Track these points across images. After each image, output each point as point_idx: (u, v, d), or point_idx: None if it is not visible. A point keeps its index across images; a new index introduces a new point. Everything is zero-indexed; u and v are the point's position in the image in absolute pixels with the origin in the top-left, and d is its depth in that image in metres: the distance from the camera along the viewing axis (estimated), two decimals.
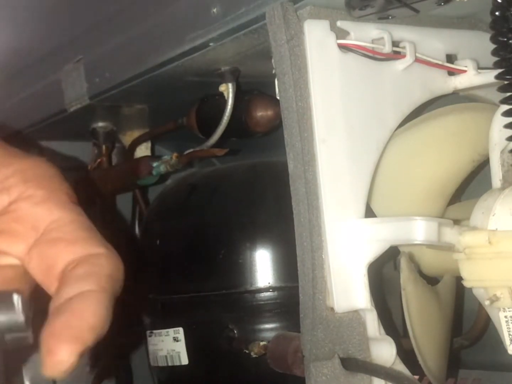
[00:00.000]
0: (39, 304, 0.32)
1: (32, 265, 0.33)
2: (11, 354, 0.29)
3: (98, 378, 0.76)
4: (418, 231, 0.45)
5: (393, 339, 0.47)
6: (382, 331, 0.47)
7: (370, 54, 0.48)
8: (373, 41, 0.49)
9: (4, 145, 0.35)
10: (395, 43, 0.49)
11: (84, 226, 0.34)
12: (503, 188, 0.48)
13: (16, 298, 0.28)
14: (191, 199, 0.65)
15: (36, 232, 0.33)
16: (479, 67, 0.51)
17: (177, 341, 0.62)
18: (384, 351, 0.46)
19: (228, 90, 0.59)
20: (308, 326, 0.45)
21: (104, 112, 0.72)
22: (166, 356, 0.63)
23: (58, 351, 0.28)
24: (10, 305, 0.28)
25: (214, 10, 0.50)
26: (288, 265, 0.58)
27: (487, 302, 0.45)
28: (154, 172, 0.70)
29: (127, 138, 0.79)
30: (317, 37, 0.46)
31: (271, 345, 0.51)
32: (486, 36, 0.46)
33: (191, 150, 0.67)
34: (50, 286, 0.32)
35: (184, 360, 0.62)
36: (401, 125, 0.51)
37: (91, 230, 0.34)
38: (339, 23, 0.47)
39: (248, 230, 0.61)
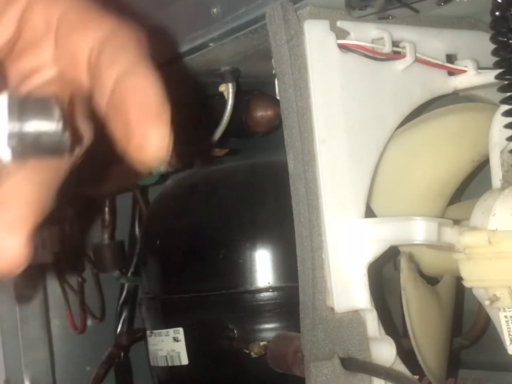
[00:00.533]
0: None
1: (60, 65, 0.31)
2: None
3: None
4: (418, 231, 0.45)
5: (393, 339, 0.47)
6: (382, 331, 0.47)
7: (370, 54, 0.48)
8: (373, 41, 0.49)
9: None
10: (395, 43, 0.49)
11: (92, 7, 0.33)
12: (503, 188, 0.48)
13: (53, 104, 0.27)
14: (191, 199, 0.65)
15: (50, 29, 0.32)
16: (479, 67, 0.51)
17: (177, 341, 0.62)
18: (384, 351, 0.46)
19: (228, 90, 0.59)
20: (308, 326, 0.45)
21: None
22: (166, 356, 0.63)
23: (150, 138, 0.27)
24: (47, 110, 0.27)
25: (214, 10, 0.50)
26: (288, 265, 0.58)
27: (487, 302, 0.45)
28: (154, 172, 0.70)
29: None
30: (317, 37, 0.46)
31: (271, 345, 0.51)
32: (486, 36, 0.46)
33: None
34: (82, 80, 0.31)
35: (184, 360, 0.62)
36: (401, 125, 0.51)
37: (101, 10, 0.33)
38: (339, 23, 0.47)
39: (248, 230, 0.61)
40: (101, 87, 0.30)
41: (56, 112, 0.27)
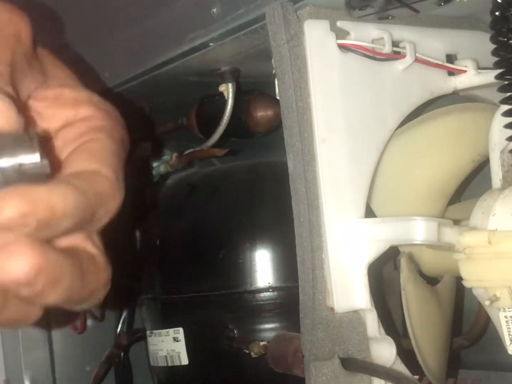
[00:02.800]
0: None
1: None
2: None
3: None
4: (418, 231, 0.45)
5: (393, 339, 0.47)
6: (382, 331, 0.47)
7: (370, 54, 0.48)
8: (373, 41, 0.49)
9: (74, 75, 0.38)
10: (395, 43, 0.49)
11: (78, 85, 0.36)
12: (503, 188, 0.48)
13: (28, 137, 0.29)
14: (191, 199, 0.65)
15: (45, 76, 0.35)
16: (479, 67, 0.51)
17: (177, 341, 0.62)
18: (384, 351, 0.46)
19: (228, 90, 0.59)
20: (308, 326, 0.45)
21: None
22: (166, 356, 0.63)
23: None
24: (23, 144, 0.29)
25: (214, 10, 0.50)
26: (288, 265, 0.58)
27: (487, 302, 0.45)
28: (154, 172, 0.70)
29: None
30: (317, 37, 0.46)
31: (271, 345, 0.51)
32: (486, 36, 0.46)
33: (191, 150, 0.67)
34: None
35: (184, 360, 0.62)
36: (401, 125, 0.51)
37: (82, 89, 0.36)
38: (339, 23, 0.47)
39: (248, 230, 0.61)
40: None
41: (32, 144, 0.29)
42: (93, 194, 0.31)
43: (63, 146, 0.35)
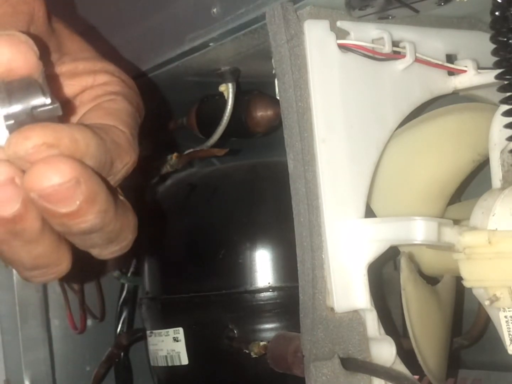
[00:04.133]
0: None
1: None
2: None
3: None
4: (418, 231, 0.45)
5: (393, 339, 0.47)
6: (382, 331, 0.47)
7: (370, 54, 0.48)
8: (373, 41, 0.49)
9: (90, 47, 0.38)
10: (395, 43, 0.49)
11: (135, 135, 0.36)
12: (503, 188, 0.48)
13: (37, 81, 0.29)
14: (191, 199, 0.65)
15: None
16: (479, 67, 0.51)
17: (177, 341, 0.62)
18: (384, 351, 0.46)
19: (228, 90, 0.59)
20: (308, 326, 0.45)
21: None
22: (166, 356, 0.63)
23: None
24: (32, 88, 0.29)
25: (214, 10, 0.50)
26: (288, 265, 0.58)
27: (487, 302, 0.45)
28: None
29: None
30: (317, 37, 0.46)
31: (271, 345, 0.51)
32: (486, 36, 0.46)
33: (191, 150, 0.67)
34: None
35: (184, 360, 0.62)
36: (401, 125, 0.51)
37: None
38: (339, 23, 0.47)
39: (248, 230, 0.61)
40: None
41: (43, 87, 0.29)
42: (111, 142, 0.32)
43: (80, 106, 0.35)
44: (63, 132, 0.28)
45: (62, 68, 0.36)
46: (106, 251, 0.34)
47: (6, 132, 0.28)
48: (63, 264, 0.32)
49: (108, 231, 0.32)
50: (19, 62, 0.29)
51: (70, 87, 0.35)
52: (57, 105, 0.29)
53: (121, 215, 0.33)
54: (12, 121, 0.28)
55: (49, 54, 0.36)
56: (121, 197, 0.34)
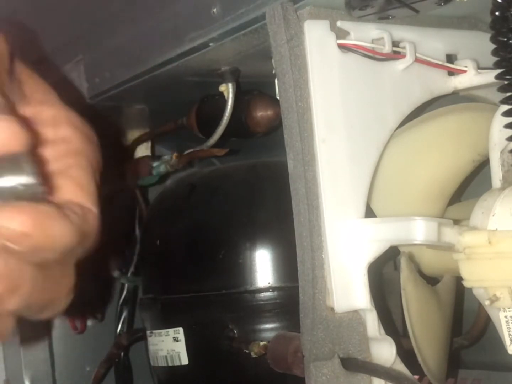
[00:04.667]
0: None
1: None
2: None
3: None
4: (418, 231, 0.45)
5: (393, 339, 0.47)
6: (382, 331, 0.47)
7: (370, 54, 0.48)
8: (373, 41, 0.49)
9: (52, 92, 0.37)
10: (395, 43, 0.49)
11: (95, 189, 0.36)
12: (503, 188, 0.48)
13: (24, 159, 0.29)
14: (191, 199, 0.65)
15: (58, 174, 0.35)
16: (479, 67, 0.51)
17: (177, 341, 0.62)
18: (384, 351, 0.46)
19: (228, 90, 0.59)
20: (308, 326, 0.45)
21: (104, 112, 0.72)
22: (166, 356, 0.63)
23: None
24: (19, 166, 0.29)
25: (214, 10, 0.50)
26: (288, 265, 0.58)
27: (487, 302, 0.45)
28: (154, 172, 0.70)
29: (127, 138, 0.79)
30: (317, 37, 0.46)
31: (271, 345, 0.51)
32: (486, 36, 0.46)
33: (191, 150, 0.67)
34: None
35: (184, 360, 0.62)
36: (401, 125, 0.51)
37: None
38: (339, 23, 0.47)
39: (248, 230, 0.61)
40: None
41: (28, 167, 0.29)
42: (83, 232, 0.32)
43: (44, 160, 0.34)
44: (45, 226, 0.29)
45: (26, 110, 0.35)
46: (38, 317, 0.34)
47: None
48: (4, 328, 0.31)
49: (34, 307, 0.32)
50: (8, 141, 0.29)
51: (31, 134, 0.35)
52: (42, 186, 0.29)
53: (49, 289, 0.32)
54: None
55: (14, 95, 0.35)
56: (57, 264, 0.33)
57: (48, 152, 0.34)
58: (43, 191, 0.30)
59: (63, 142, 0.35)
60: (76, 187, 0.34)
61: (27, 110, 0.35)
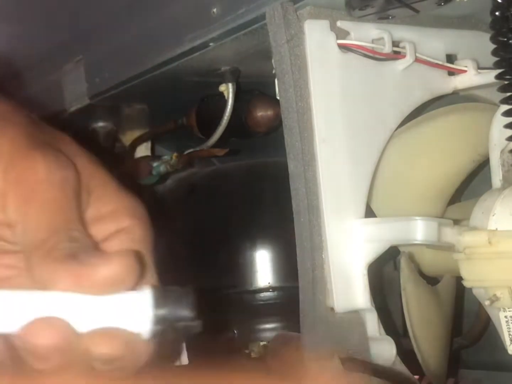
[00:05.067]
0: None
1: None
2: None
3: None
4: (418, 231, 0.45)
5: (393, 339, 0.47)
6: (382, 331, 0.47)
7: (370, 54, 0.48)
8: (373, 41, 0.49)
9: (111, 178, 0.37)
10: (395, 43, 0.49)
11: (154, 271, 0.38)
12: (503, 188, 0.48)
13: (187, 294, 0.32)
14: (191, 199, 0.65)
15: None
16: (479, 67, 0.51)
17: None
18: (384, 351, 0.46)
19: (228, 90, 0.59)
20: (308, 326, 0.45)
21: (104, 112, 0.72)
22: None
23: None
24: (183, 300, 0.32)
25: (214, 10, 0.50)
26: (288, 265, 0.58)
27: (487, 302, 0.45)
28: (154, 172, 0.70)
29: (127, 138, 0.79)
30: (317, 37, 0.46)
31: (271, 345, 0.51)
32: (486, 36, 0.46)
33: (191, 150, 0.67)
34: None
35: (184, 360, 0.62)
36: (401, 125, 0.51)
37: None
38: (339, 23, 0.47)
39: (248, 230, 0.61)
40: None
41: (190, 301, 0.32)
42: None
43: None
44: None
45: (87, 213, 0.35)
46: None
47: (149, 331, 0.30)
48: None
49: None
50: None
51: (95, 232, 0.35)
52: (197, 324, 0.31)
53: None
54: (156, 325, 0.31)
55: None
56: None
57: (113, 245, 0.36)
58: (198, 329, 0.32)
59: (125, 233, 0.36)
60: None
61: (90, 206, 0.35)
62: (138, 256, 0.32)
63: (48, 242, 0.30)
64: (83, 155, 0.36)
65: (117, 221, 0.36)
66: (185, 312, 0.31)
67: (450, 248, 0.46)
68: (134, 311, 0.31)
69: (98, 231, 0.35)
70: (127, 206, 0.37)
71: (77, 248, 0.31)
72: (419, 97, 0.51)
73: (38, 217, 0.31)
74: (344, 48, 0.47)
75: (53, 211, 0.32)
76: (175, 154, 0.68)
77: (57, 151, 0.34)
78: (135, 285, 0.31)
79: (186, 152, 0.68)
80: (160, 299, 0.31)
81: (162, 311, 0.31)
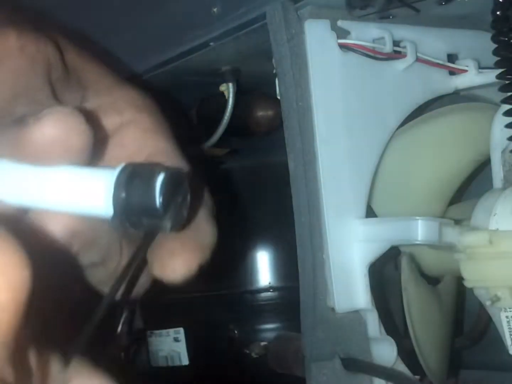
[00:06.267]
0: None
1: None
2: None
3: None
4: (419, 231, 0.45)
5: (394, 339, 0.47)
6: (383, 331, 0.47)
7: (371, 54, 0.48)
8: (374, 41, 0.48)
9: (109, 72, 0.35)
10: (396, 43, 0.49)
11: (178, 156, 0.34)
12: (504, 188, 0.47)
13: (159, 178, 0.27)
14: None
15: (139, 157, 0.33)
16: (480, 67, 0.51)
17: (178, 341, 0.62)
18: (385, 352, 0.46)
19: (228, 90, 0.59)
20: (309, 326, 0.45)
21: None
22: (166, 356, 0.63)
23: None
24: (150, 184, 0.27)
25: (215, 9, 0.50)
26: (288, 265, 0.58)
27: (488, 302, 0.45)
28: None
29: None
30: (317, 36, 0.46)
31: (272, 345, 0.51)
32: (487, 35, 0.46)
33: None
34: None
35: (185, 360, 0.62)
36: (402, 125, 0.50)
37: (182, 158, 0.34)
38: (339, 23, 0.47)
39: (248, 230, 0.61)
40: None
41: (162, 187, 0.27)
42: None
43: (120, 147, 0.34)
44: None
45: (86, 107, 0.34)
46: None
47: (111, 210, 0.27)
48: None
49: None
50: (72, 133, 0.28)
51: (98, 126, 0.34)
52: (166, 223, 0.27)
53: None
54: (119, 205, 0.26)
55: (73, 98, 0.34)
56: None
57: (126, 137, 0.34)
58: (165, 225, 0.28)
59: (135, 124, 0.34)
60: (162, 156, 0.33)
61: (89, 100, 0.34)
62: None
63: (6, 108, 0.28)
64: (73, 49, 0.34)
65: (122, 114, 0.34)
66: (150, 200, 0.26)
67: (451, 248, 0.46)
68: (95, 190, 0.26)
69: (102, 125, 0.33)
70: (130, 100, 0.35)
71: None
72: (420, 97, 0.51)
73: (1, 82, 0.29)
74: (344, 47, 0.47)
75: (16, 78, 0.29)
76: None
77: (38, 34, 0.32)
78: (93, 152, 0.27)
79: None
80: (126, 176, 0.27)
81: (123, 194, 0.26)
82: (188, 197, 0.29)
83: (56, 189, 0.27)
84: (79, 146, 0.27)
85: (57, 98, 0.31)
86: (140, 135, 0.34)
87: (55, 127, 0.26)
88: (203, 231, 0.33)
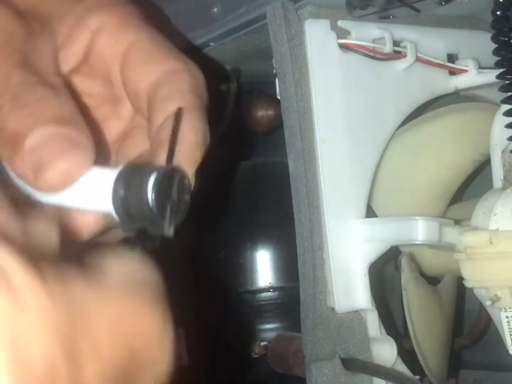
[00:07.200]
0: None
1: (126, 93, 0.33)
2: None
3: None
4: (419, 231, 0.45)
5: (394, 339, 0.47)
6: (383, 331, 0.47)
7: (371, 54, 0.48)
8: (374, 41, 0.49)
9: None
10: (396, 43, 0.49)
11: (160, 43, 0.33)
12: (504, 188, 0.47)
13: (152, 178, 0.27)
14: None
15: (117, 61, 0.32)
16: (480, 67, 0.51)
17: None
18: (385, 351, 0.46)
19: (228, 90, 0.59)
20: (309, 326, 0.45)
21: None
22: None
23: None
24: (143, 185, 0.27)
25: (215, 9, 0.50)
26: (288, 265, 0.58)
27: (488, 302, 0.45)
28: None
29: None
30: (317, 36, 0.46)
31: (272, 345, 0.51)
32: (487, 35, 0.46)
33: None
34: (143, 110, 0.32)
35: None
36: (402, 125, 0.50)
37: (168, 47, 0.33)
38: (340, 23, 0.47)
39: (249, 230, 0.61)
40: (151, 121, 0.32)
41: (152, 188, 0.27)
42: None
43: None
44: None
45: (58, 42, 0.32)
46: None
47: (113, 209, 0.28)
48: None
49: None
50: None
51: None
52: (163, 224, 0.29)
53: None
54: (119, 202, 0.27)
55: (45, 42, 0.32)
56: None
57: (161, 96, 0.33)
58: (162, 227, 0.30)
59: (171, 81, 0.33)
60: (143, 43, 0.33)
61: (58, 39, 0.32)
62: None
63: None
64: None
65: (87, 25, 0.33)
66: (144, 201, 0.27)
67: (451, 248, 0.46)
68: (97, 189, 0.27)
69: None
70: (94, 2, 0.34)
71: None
72: (420, 97, 0.51)
73: None
74: (344, 47, 0.47)
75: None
76: None
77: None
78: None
79: None
80: (124, 177, 0.27)
81: (121, 192, 0.27)
82: (186, 188, 0.30)
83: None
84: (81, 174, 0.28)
85: (30, 63, 0.30)
86: (112, 38, 0.33)
87: (61, 172, 0.28)
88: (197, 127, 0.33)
